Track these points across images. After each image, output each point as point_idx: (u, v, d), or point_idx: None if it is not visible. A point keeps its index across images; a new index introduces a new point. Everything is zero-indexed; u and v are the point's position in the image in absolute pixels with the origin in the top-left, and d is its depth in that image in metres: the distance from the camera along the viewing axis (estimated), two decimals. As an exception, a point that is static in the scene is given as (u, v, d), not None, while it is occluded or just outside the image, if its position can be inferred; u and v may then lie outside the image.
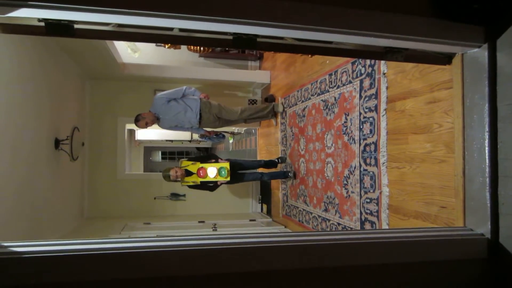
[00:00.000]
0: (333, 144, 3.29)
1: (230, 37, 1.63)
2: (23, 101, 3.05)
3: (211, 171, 4.09)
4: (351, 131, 2.96)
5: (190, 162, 4.15)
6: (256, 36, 1.61)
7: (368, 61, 2.73)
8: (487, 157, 1.68)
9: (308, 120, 3.89)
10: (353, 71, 2.96)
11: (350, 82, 3.00)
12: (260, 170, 4.77)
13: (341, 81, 3.16)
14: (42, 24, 1.44)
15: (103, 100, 5.35)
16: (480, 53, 1.72)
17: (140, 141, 10.73)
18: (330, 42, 1.82)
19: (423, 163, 2.12)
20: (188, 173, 4.10)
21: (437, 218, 2.04)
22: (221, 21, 1.46)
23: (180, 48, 1.71)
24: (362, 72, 2.81)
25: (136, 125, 4.20)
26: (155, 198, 5.54)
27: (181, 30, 1.61)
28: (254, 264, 1.41)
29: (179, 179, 4.05)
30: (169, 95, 4.25)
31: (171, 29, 1.57)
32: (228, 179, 4.12)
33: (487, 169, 1.68)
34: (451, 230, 1.81)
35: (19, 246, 1.32)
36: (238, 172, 4.39)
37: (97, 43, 3.78)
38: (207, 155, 4.39)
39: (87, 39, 1.46)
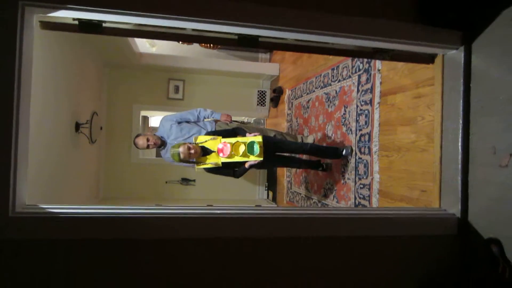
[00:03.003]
0: (333, 134, 3.52)
1: (235, 37, 1.87)
2: (45, 86, 3.34)
3: (238, 148, 2.90)
4: (349, 122, 3.18)
5: (209, 137, 3.00)
6: (258, 36, 1.86)
7: (365, 58, 2.94)
8: (460, 147, 1.90)
9: (312, 111, 4.12)
10: (352, 67, 3.18)
11: (350, 76, 3.21)
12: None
13: (342, 75, 3.38)
14: (76, 22, 1.71)
15: (120, 87, 5.65)
16: (458, 55, 1.93)
17: (154, 128, 11.07)
18: (327, 43, 2.05)
19: (408, 152, 2.35)
20: (206, 152, 2.99)
21: (418, 201, 2.27)
22: (227, 24, 1.70)
23: (192, 43, 1.95)
24: (360, 68, 3.03)
25: (135, 143, 3.49)
26: (166, 182, 5.87)
27: (193, 30, 1.87)
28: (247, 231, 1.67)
29: (193, 159, 2.97)
30: (179, 117, 3.58)
31: (184, 28, 1.82)
32: (261, 158, 2.88)
33: (460, 157, 1.90)
34: (427, 210, 2.05)
35: (54, 208, 1.60)
36: (276, 154, 3.35)
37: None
38: (231, 130, 3.19)
39: (113, 35, 1.72)
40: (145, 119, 9.97)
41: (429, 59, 2.12)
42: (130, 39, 4.55)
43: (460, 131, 1.91)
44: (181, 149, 2.85)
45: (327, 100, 3.71)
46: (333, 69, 3.58)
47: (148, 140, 3.44)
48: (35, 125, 3.12)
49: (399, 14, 1.85)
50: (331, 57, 3.66)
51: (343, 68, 3.36)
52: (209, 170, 3.12)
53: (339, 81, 3.41)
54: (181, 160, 2.90)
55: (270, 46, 1.96)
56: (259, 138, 2.89)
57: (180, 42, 2.16)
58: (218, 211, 1.72)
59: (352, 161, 3.10)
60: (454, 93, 1.95)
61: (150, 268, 1.54)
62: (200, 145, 2.98)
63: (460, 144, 1.91)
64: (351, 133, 3.14)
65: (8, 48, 1.51)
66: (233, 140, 2.93)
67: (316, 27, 1.76)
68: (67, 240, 1.51)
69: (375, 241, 1.80)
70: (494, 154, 1.74)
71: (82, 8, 1.55)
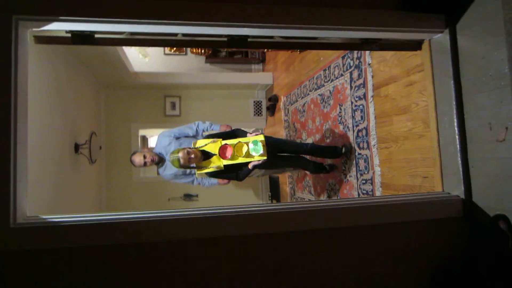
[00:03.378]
0: (331, 134, 3.54)
1: (225, 39, 1.91)
2: (42, 109, 3.36)
3: (241, 148, 2.78)
4: (345, 120, 3.20)
5: (209, 140, 2.89)
6: (247, 36, 1.89)
7: (355, 54, 2.98)
8: (456, 127, 1.91)
9: (308, 114, 4.14)
10: (343, 65, 3.22)
11: (342, 75, 3.25)
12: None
13: (334, 74, 3.42)
14: (69, 35, 1.75)
15: (117, 107, 5.70)
16: (443, 38, 1.96)
17: (153, 149, 11.05)
18: (315, 38, 2.09)
19: (406, 140, 2.36)
20: (206, 156, 2.86)
21: (421, 188, 2.27)
22: (217, 25, 1.73)
23: (184, 51, 1.98)
24: (351, 65, 3.07)
25: (131, 160, 3.33)
26: (169, 200, 5.85)
27: (184, 35, 1.91)
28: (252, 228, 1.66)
29: (193, 164, 2.84)
30: (177, 132, 3.40)
31: (176, 35, 1.86)
32: (265, 157, 2.76)
33: (457, 138, 1.91)
34: (430, 194, 2.04)
35: (55, 218, 1.59)
36: (278, 154, 3.24)
37: (111, 54, 4.13)
38: (231, 131, 3.07)
39: (105, 45, 1.75)
40: (144, 139, 10.03)
41: (416, 46, 2.16)
42: (124, 58, 4.62)
43: (455, 112, 1.92)
44: (180, 154, 2.72)
45: (322, 101, 3.74)
46: (324, 70, 3.63)
47: (145, 157, 3.26)
48: (33, 148, 3.13)
49: (381, 2, 1.89)
50: (322, 58, 3.71)
51: (335, 67, 3.40)
52: (211, 174, 2.97)
53: (332, 80, 3.45)
54: (181, 166, 2.79)
55: (259, 46, 1.99)
56: (261, 137, 2.78)
57: (172, 50, 2.18)
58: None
59: (352, 157, 3.11)
60: (444, 75, 1.97)
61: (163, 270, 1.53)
62: (200, 149, 2.85)
63: (456, 124, 1.92)
64: (349, 130, 3.15)
65: (3, 63, 1.53)
66: (234, 141, 2.81)
67: (302, 22, 1.79)
68: (71, 248, 1.51)
69: (380, 229, 1.80)
70: (491, 130, 1.76)
71: (74, 19, 1.59)
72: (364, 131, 2.89)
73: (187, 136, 3.36)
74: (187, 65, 6.05)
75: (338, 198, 3.46)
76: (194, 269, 1.55)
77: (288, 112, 4.93)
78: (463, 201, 1.90)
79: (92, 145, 4.37)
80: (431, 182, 2.16)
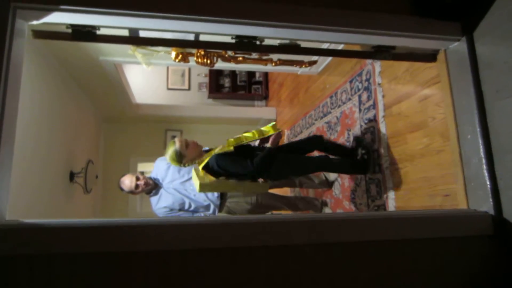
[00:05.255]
0: (338, 162, 3.38)
1: (233, 40, 1.83)
2: (40, 133, 3.25)
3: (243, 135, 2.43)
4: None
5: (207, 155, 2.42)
6: (256, 37, 1.82)
7: (364, 76, 2.92)
8: (479, 137, 1.77)
9: (314, 144, 4.01)
10: (351, 89, 3.15)
11: (350, 99, 3.17)
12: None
13: (341, 100, 3.34)
14: (69, 31, 1.67)
15: (117, 139, 5.60)
16: (461, 46, 1.89)
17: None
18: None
19: (423, 158, 2.20)
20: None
21: (442, 208, 2.07)
22: (225, 22, 1.66)
23: (188, 61, 1.90)
24: (360, 87, 3.00)
25: (120, 183, 2.84)
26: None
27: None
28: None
29: (194, 159, 2.41)
30: None
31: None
32: (280, 130, 2.40)
33: (481, 148, 1.76)
34: (455, 211, 1.85)
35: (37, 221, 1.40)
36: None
37: (115, 84, 4.08)
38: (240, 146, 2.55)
39: (107, 43, 1.66)
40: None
41: (431, 57, 2.08)
42: (128, 89, 4.60)
43: (477, 121, 1.79)
44: (177, 145, 2.27)
45: (328, 129, 3.63)
46: (331, 97, 3.56)
47: (137, 178, 2.76)
48: (24, 173, 2.94)
49: (393, 7, 1.84)
50: (328, 85, 3.66)
51: (342, 92, 3.33)
52: (216, 158, 2.27)
53: (339, 106, 3.36)
54: (177, 159, 2.28)
55: (268, 49, 1.91)
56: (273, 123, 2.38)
57: (177, 60, 2.11)
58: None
59: (362, 183, 2.93)
60: (464, 84, 1.87)
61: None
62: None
63: (479, 134, 1.78)
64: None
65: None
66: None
67: (313, 21, 1.72)
68: (53, 254, 1.30)
69: (399, 245, 1.59)
70: (520, 137, 1.62)
71: (76, 9, 1.51)
72: (375, 154, 2.74)
73: None
74: (190, 100, 6.04)
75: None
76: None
77: (292, 145, 4.81)
78: (493, 217, 1.71)
79: (88, 173, 4.19)
80: (453, 200, 1.98)
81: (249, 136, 2.24)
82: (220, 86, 6.22)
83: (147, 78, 6.01)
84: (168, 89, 6.05)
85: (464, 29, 1.86)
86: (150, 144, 5.75)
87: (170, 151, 2.34)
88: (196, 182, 2.34)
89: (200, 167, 2.25)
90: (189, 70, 6.23)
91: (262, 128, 2.27)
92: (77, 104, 4.24)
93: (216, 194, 2.82)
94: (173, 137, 5.82)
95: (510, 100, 1.66)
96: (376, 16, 1.79)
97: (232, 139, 2.31)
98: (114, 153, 5.53)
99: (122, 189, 2.85)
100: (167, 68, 6.14)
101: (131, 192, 2.81)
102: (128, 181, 2.77)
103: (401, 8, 1.85)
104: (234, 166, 2.25)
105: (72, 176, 3.96)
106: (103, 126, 5.51)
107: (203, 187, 2.29)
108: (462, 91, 1.89)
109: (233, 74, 6.25)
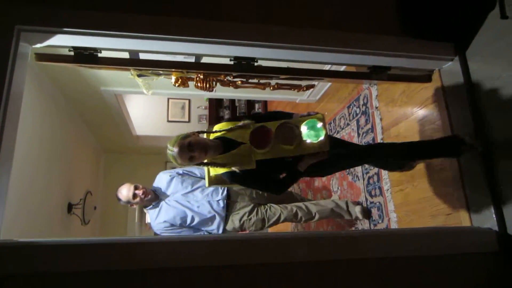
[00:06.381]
0: (339, 187, 3.35)
1: (232, 62, 1.88)
2: (39, 162, 3.24)
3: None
4: (354, 169, 3.05)
5: (234, 123, 1.76)
6: (254, 58, 1.86)
7: (361, 101, 2.96)
8: (478, 153, 1.77)
9: (313, 171, 3.99)
10: (349, 114, 3.18)
11: (348, 124, 3.20)
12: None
13: (340, 126, 3.36)
14: (72, 53, 1.71)
15: (116, 170, 5.56)
16: (454, 65, 1.93)
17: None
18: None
19: (424, 178, 2.19)
20: (228, 148, 1.71)
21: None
22: (224, 43, 1.70)
23: (188, 86, 1.92)
24: (358, 112, 3.03)
25: (117, 192, 2.71)
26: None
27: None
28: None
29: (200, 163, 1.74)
30: (181, 169, 2.82)
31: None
32: (327, 148, 1.69)
33: (481, 164, 1.76)
34: (458, 228, 1.82)
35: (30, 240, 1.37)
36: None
37: (116, 115, 4.12)
38: (269, 113, 1.98)
39: (108, 65, 1.70)
40: (142, 212, 9.66)
41: (426, 78, 2.12)
42: (129, 121, 4.65)
43: (475, 135, 1.80)
44: (176, 150, 1.67)
45: (328, 155, 3.62)
46: (329, 124, 3.59)
47: (136, 187, 2.54)
48: (20, 202, 2.88)
49: (390, 28, 1.90)
50: (326, 113, 3.70)
51: (340, 118, 3.36)
52: (232, 176, 1.69)
53: (338, 132, 3.38)
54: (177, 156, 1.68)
55: (265, 70, 1.95)
56: (319, 116, 1.74)
57: (176, 84, 2.13)
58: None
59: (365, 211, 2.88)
60: (460, 101, 1.90)
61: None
62: (219, 135, 1.75)
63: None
64: (358, 179, 2.98)
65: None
66: (276, 123, 1.67)
67: (310, 43, 1.77)
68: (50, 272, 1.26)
69: (404, 262, 1.54)
70: (519, 149, 1.62)
71: (78, 31, 1.56)
72: (375, 177, 2.73)
73: (192, 176, 2.76)
74: (187, 127, 6.09)
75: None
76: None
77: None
78: (497, 233, 1.67)
79: (87, 205, 4.14)
80: (456, 219, 1.94)
81: (287, 147, 1.63)
82: (220, 118, 6.27)
83: (148, 110, 6.08)
84: (168, 121, 6.11)
85: (457, 49, 1.92)
86: (149, 175, 5.69)
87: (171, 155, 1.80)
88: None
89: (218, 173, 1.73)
90: (189, 102, 6.32)
91: (306, 140, 1.64)
92: (77, 134, 4.26)
93: (222, 204, 2.62)
94: (173, 168, 5.81)
95: (507, 114, 1.68)
96: (369, 36, 1.84)
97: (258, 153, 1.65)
98: (113, 184, 5.45)
99: (119, 199, 2.70)
100: (168, 100, 6.23)
101: (128, 202, 2.64)
102: (125, 190, 2.61)
103: (392, 29, 1.91)
104: (253, 185, 1.93)
105: (70, 207, 3.91)
106: (102, 156, 5.51)
107: (211, 180, 1.81)
108: (458, 109, 1.91)
109: (232, 105, 6.33)
